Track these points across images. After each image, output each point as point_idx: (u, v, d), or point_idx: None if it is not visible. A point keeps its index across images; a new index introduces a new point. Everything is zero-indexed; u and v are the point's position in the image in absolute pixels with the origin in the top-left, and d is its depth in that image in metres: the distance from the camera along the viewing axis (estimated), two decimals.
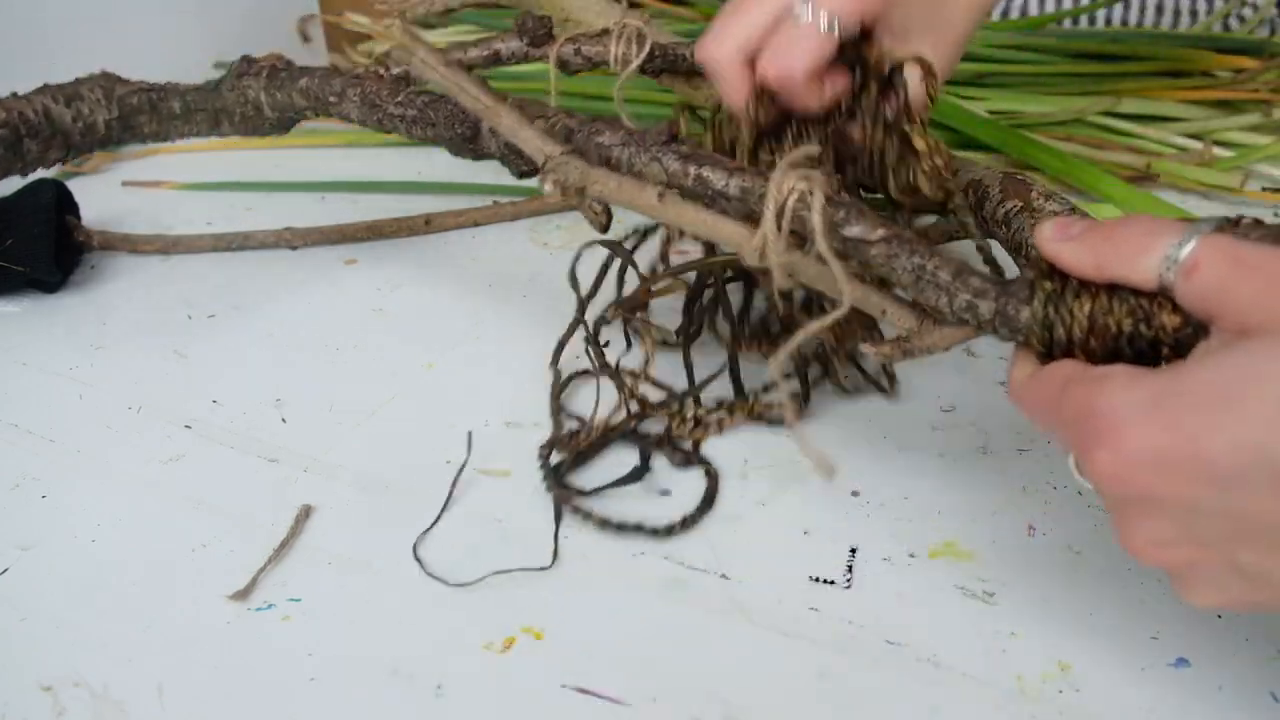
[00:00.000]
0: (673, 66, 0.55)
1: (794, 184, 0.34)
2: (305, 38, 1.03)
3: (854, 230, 0.34)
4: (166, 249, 0.67)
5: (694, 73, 0.55)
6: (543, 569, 0.40)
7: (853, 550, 0.41)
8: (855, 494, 0.44)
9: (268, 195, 0.74)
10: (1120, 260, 0.30)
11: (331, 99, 0.51)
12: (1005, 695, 0.35)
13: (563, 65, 0.56)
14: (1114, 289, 0.31)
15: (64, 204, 0.67)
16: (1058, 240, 0.31)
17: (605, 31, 0.55)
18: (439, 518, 0.43)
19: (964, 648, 0.36)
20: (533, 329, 0.53)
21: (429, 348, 0.54)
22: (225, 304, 0.61)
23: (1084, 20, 0.97)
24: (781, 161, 0.35)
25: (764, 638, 0.37)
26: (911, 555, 0.41)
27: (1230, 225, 0.30)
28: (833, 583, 0.39)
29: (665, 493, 0.44)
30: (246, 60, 0.53)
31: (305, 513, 0.44)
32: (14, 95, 0.49)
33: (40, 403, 0.52)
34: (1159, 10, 0.96)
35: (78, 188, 0.72)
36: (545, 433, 0.48)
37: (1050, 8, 0.98)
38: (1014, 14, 0.99)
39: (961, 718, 0.34)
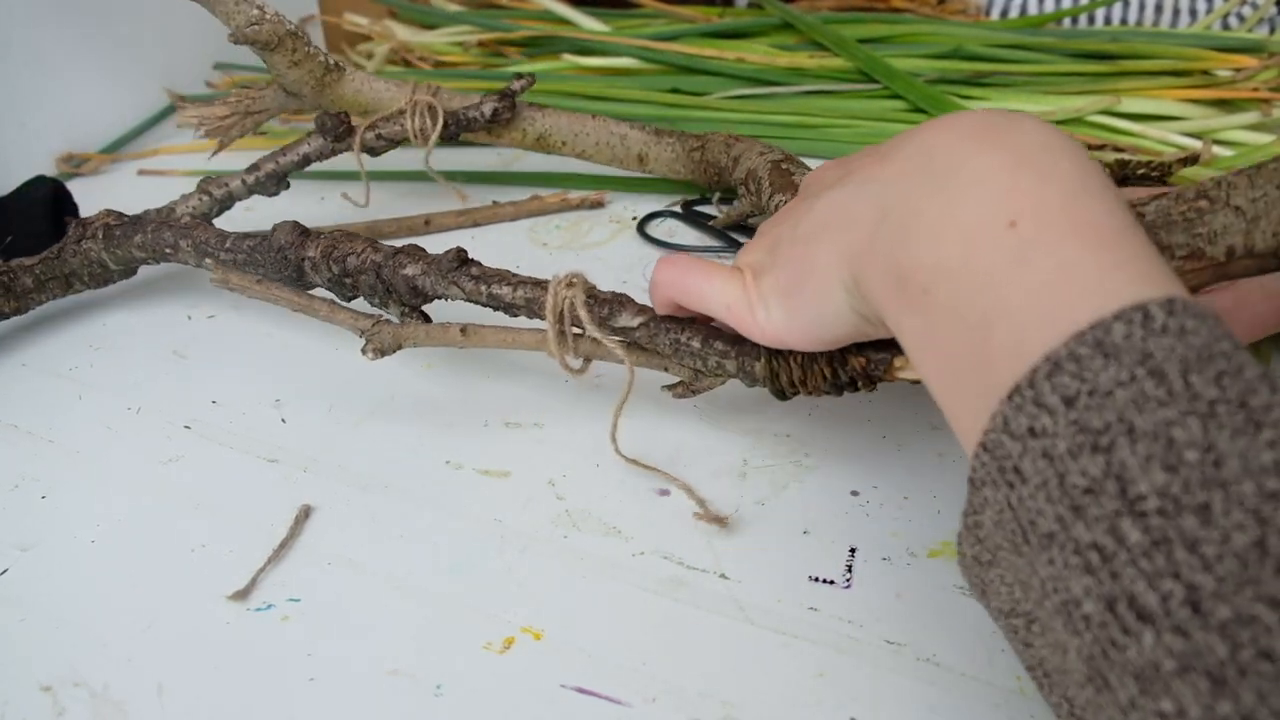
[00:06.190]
0: (469, 127, 0.61)
1: (564, 292, 0.42)
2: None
3: (619, 320, 0.43)
4: None
5: (491, 124, 0.62)
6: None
7: (852, 550, 0.41)
8: (855, 494, 0.44)
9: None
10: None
11: (168, 251, 0.54)
12: (1005, 695, 0.35)
13: (370, 150, 0.61)
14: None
15: (63, 204, 0.67)
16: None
17: (401, 111, 0.60)
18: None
19: (964, 648, 0.36)
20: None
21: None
22: (225, 304, 0.61)
23: (1084, 20, 0.97)
24: (554, 276, 0.43)
25: (764, 638, 0.37)
26: (911, 555, 0.41)
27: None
28: (832, 583, 0.39)
29: (664, 493, 0.44)
30: (80, 224, 0.57)
31: (305, 513, 0.44)
32: None
33: (40, 403, 0.52)
34: (1159, 10, 0.96)
35: (77, 188, 0.72)
36: (545, 432, 0.48)
37: (1050, 7, 0.99)
38: (1014, 14, 0.99)
39: (961, 718, 0.34)
